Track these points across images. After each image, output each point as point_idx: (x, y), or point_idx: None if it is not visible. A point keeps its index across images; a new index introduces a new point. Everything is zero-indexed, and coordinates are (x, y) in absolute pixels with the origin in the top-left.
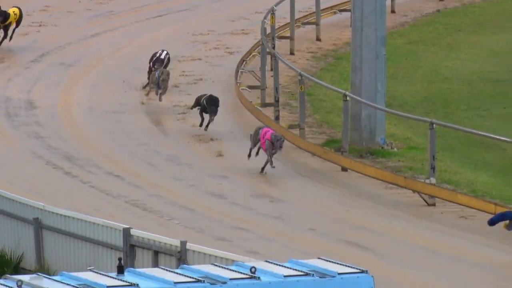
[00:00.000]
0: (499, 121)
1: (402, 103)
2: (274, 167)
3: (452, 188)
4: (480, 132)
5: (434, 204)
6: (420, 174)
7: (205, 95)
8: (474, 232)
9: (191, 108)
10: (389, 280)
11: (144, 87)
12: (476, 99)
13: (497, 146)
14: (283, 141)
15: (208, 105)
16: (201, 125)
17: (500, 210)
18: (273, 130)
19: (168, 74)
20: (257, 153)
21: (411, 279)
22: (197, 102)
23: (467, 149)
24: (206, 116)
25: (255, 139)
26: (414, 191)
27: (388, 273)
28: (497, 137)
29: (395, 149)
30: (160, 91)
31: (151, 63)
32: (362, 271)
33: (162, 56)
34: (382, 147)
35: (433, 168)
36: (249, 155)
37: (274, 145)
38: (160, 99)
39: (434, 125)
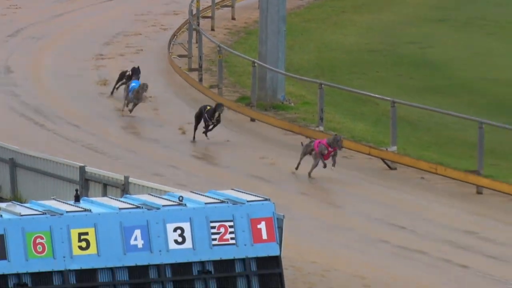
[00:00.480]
0: (373, 82)
1: (298, 69)
2: (325, 167)
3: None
4: (358, 91)
5: None
6: (311, 123)
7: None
8: (352, 168)
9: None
10: (287, 205)
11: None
12: (356, 65)
13: (372, 102)
14: (341, 140)
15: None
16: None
17: (373, 152)
18: (322, 140)
19: (147, 87)
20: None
21: (305, 204)
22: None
23: (348, 104)
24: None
25: (306, 150)
26: (307, 136)
27: (286, 200)
28: (372, 94)
29: (292, 104)
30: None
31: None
32: (266, 199)
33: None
34: (282, 103)
35: (321, 118)
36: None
37: (334, 146)
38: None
39: (322, 85)
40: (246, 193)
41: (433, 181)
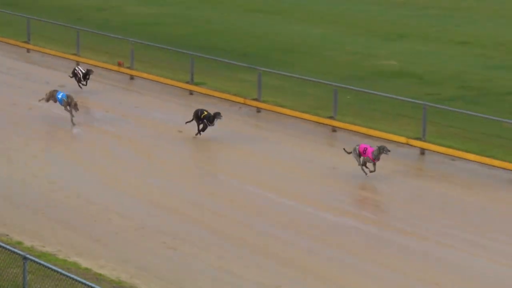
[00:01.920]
0: None
1: None
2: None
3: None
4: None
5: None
6: None
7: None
8: None
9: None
10: None
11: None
12: None
13: None
14: (387, 149)
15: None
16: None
17: None
18: (366, 145)
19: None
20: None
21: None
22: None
23: None
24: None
25: (356, 154)
26: None
27: None
28: None
29: None
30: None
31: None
32: None
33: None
34: None
35: None
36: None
37: (381, 153)
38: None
39: None
40: None
41: None
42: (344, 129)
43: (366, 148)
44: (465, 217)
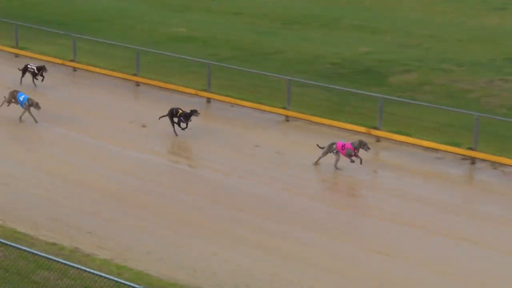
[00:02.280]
0: None
1: None
2: (353, 161)
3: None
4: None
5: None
6: None
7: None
8: None
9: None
10: None
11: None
12: None
13: None
14: (367, 146)
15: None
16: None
17: None
18: (345, 142)
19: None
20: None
21: None
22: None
23: None
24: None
25: (328, 150)
26: None
27: None
28: None
29: None
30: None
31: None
32: None
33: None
34: None
35: None
36: (317, 163)
37: (362, 148)
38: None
39: None
40: None
41: None
42: (146, 83)
43: (344, 145)
44: (241, 150)
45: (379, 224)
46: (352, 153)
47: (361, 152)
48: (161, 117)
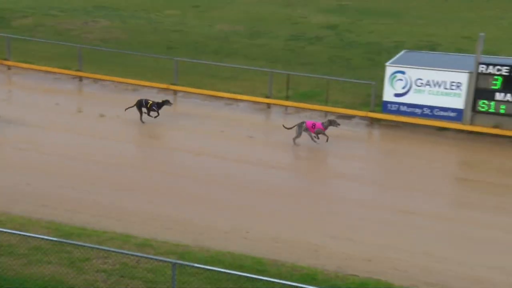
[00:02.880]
0: None
1: None
2: (316, 142)
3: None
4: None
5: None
6: None
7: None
8: None
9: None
10: None
11: None
12: None
13: None
14: (337, 123)
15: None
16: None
17: None
18: (315, 121)
19: None
20: (316, 138)
21: None
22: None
23: None
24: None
25: (300, 130)
26: None
27: None
28: None
29: None
30: None
31: None
32: None
33: None
34: None
35: None
36: (295, 142)
37: (331, 125)
38: None
39: None
40: None
41: None
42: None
43: (314, 124)
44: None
45: None
46: (321, 132)
47: None
48: (127, 108)
